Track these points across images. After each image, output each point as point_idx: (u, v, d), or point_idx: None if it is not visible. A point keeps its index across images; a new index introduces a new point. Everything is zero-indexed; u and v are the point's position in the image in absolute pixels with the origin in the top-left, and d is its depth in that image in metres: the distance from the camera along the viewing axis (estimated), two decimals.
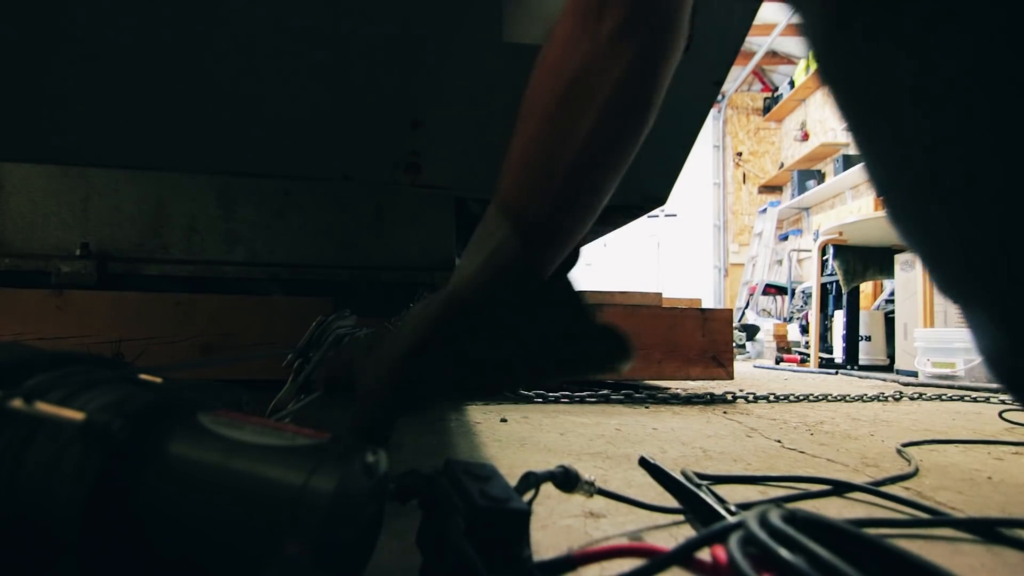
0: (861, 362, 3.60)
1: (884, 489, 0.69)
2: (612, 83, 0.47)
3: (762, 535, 0.33)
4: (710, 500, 0.53)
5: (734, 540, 0.34)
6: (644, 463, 0.60)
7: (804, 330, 4.87)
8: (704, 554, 0.37)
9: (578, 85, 0.48)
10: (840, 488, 0.69)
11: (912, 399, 1.85)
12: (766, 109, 7.40)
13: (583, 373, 0.54)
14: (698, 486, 0.58)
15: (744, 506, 0.51)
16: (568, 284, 0.51)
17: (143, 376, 0.36)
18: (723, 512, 0.50)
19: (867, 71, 0.29)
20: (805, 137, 6.68)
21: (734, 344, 2.00)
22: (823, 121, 6.33)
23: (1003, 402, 1.84)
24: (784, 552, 0.31)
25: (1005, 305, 0.30)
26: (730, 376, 1.79)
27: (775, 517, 0.34)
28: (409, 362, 0.48)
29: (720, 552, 0.35)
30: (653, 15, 0.49)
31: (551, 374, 0.53)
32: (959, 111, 0.27)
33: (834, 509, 0.64)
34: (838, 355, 3.75)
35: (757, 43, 6.54)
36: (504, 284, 0.48)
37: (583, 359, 0.51)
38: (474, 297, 0.48)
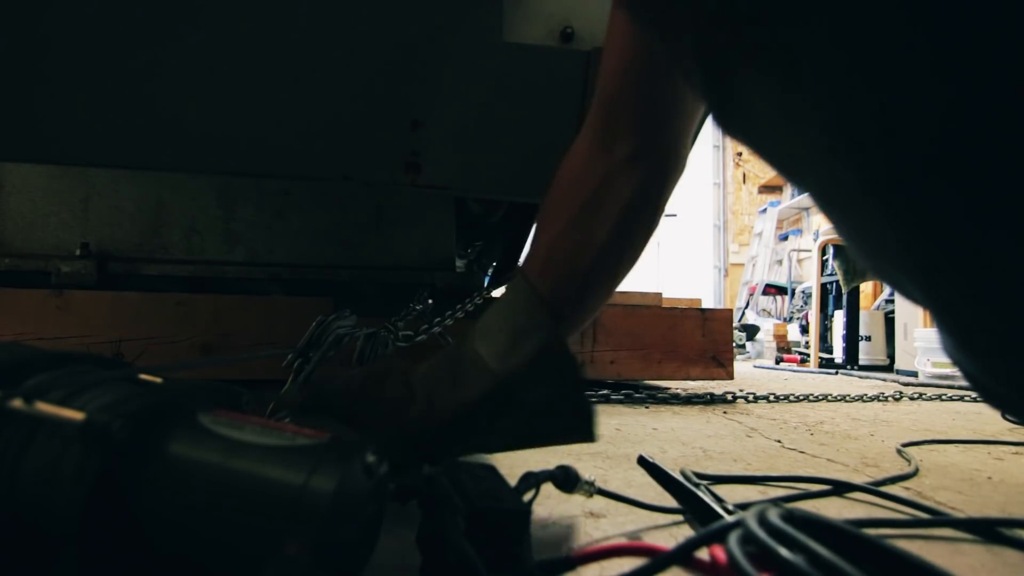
0: (861, 362, 3.60)
1: (884, 489, 0.69)
2: (625, 199, 0.57)
3: (761, 534, 0.33)
4: (708, 499, 0.53)
5: (733, 539, 0.34)
6: (643, 462, 0.60)
7: (804, 330, 4.87)
8: (704, 554, 0.37)
9: (596, 199, 0.57)
10: (840, 488, 0.69)
11: (912, 399, 1.85)
12: None
13: (553, 444, 0.60)
14: (696, 485, 0.58)
15: (743, 506, 0.51)
16: (574, 360, 0.56)
17: (143, 376, 0.36)
18: (721, 511, 0.50)
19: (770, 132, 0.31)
20: None
21: (734, 344, 2.00)
22: None
23: None
24: (783, 551, 0.31)
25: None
26: (730, 376, 1.79)
27: (774, 516, 0.34)
28: (441, 437, 0.53)
29: (719, 552, 0.35)
30: (659, 146, 0.58)
31: (529, 444, 0.58)
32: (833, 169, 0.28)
33: (834, 509, 0.64)
34: (838, 355, 3.75)
35: None
36: (550, 376, 0.54)
37: (562, 432, 0.57)
38: (522, 387, 0.53)
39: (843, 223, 0.32)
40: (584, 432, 0.55)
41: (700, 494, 0.54)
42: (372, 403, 0.55)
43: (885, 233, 0.28)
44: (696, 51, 0.30)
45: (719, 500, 0.55)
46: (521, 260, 0.60)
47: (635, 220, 0.59)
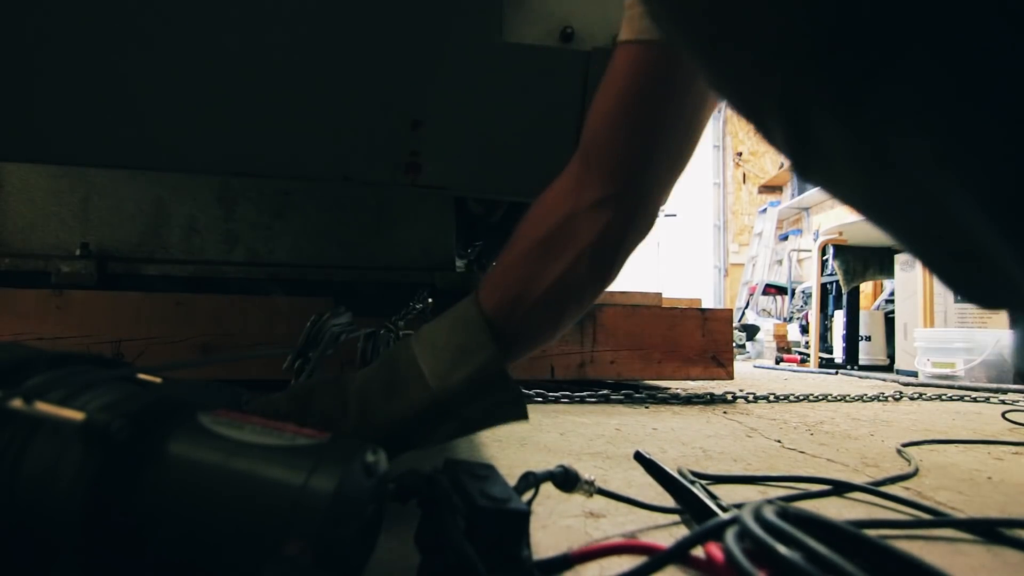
0: (861, 362, 3.60)
1: (884, 489, 0.69)
2: (584, 242, 0.57)
3: (757, 530, 0.33)
4: (702, 496, 0.53)
5: (730, 535, 0.34)
6: (639, 457, 0.60)
7: (804, 330, 4.87)
8: (701, 552, 0.37)
9: (557, 236, 0.58)
10: (840, 488, 0.69)
11: (912, 399, 1.85)
12: None
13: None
14: (692, 482, 0.58)
15: (741, 506, 0.51)
16: (513, 385, 0.57)
17: (143, 376, 0.36)
18: (715, 508, 0.51)
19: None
20: None
21: (734, 344, 2.00)
22: None
23: (1003, 402, 1.84)
24: (780, 547, 0.32)
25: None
26: (730, 376, 1.79)
27: (769, 513, 0.34)
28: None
29: (714, 549, 0.35)
30: (628, 196, 0.58)
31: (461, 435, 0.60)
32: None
33: (834, 509, 0.64)
34: (838, 355, 3.74)
35: None
36: (487, 397, 0.55)
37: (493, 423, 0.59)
38: (459, 407, 0.54)
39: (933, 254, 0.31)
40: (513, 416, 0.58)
41: (695, 491, 0.54)
42: (301, 419, 0.54)
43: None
44: (783, 113, 0.28)
45: (713, 498, 0.55)
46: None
47: (590, 265, 0.58)
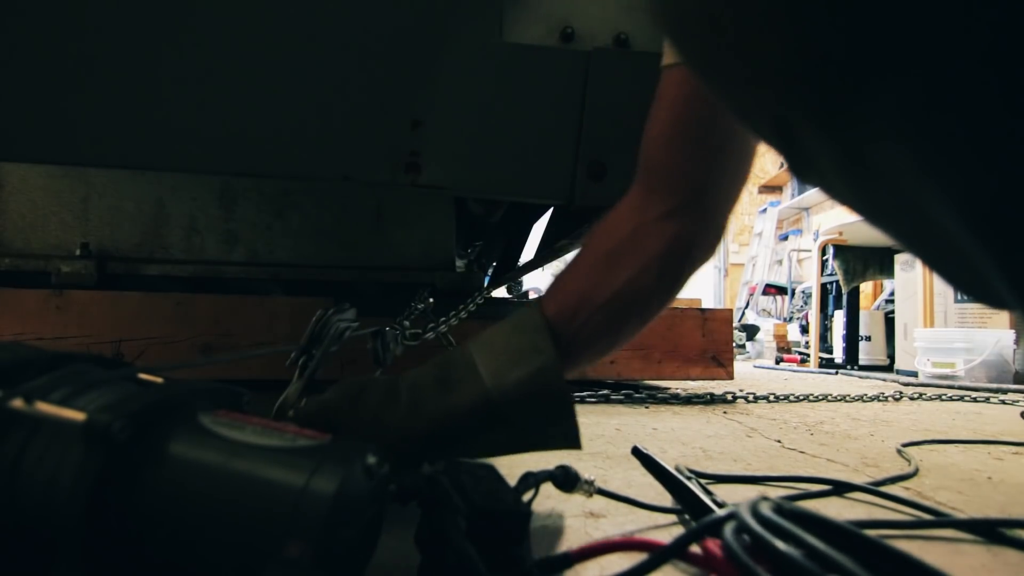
0: (861, 362, 3.60)
1: (884, 489, 0.69)
2: (650, 253, 0.58)
3: (754, 525, 0.33)
4: (698, 491, 0.53)
5: (728, 531, 0.34)
6: (637, 452, 0.61)
7: (804, 330, 4.87)
8: (699, 548, 0.37)
9: (626, 244, 0.59)
10: (840, 488, 0.69)
11: (912, 399, 1.85)
12: None
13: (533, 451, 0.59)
14: (688, 478, 0.59)
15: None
16: (567, 389, 0.56)
17: (144, 376, 0.36)
18: (710, 504, 0.51)
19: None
20: None
21: (734, 344, 2.00)
22: None
23: (1004, 402, 1.84)
24: (776, 541, 0.32)
25: None
26: (730, 376, 1.79)
27: (766, 509, 0.35)
28: (422, 442, 0.53)
29: (712, 545, 0.36)
30: (694, 212, 0.59)
31: (509, 452, 0.58)
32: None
33: (834, 509, 0.64)
34: (838, 355, 3.74)
35: None
36: (541, 404, 0.54)
37: (544, 444, 0.58)
38: (511, 410, 0.53)
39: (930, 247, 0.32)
40: (566, 446, 0.56)
41: (691, 487, 0.55)
42: (352, 412, 0.54)
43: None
44: (775, 123, 0.29)
45: (709, 494, 0.55)
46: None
47: (658, 274, 0.59)
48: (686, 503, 0.55)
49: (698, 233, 0.60)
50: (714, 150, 0.58)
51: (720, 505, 0.52)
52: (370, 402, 0.55)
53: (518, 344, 0.55)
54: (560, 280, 0.61)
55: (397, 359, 0.83)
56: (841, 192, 0.31)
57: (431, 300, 1.17)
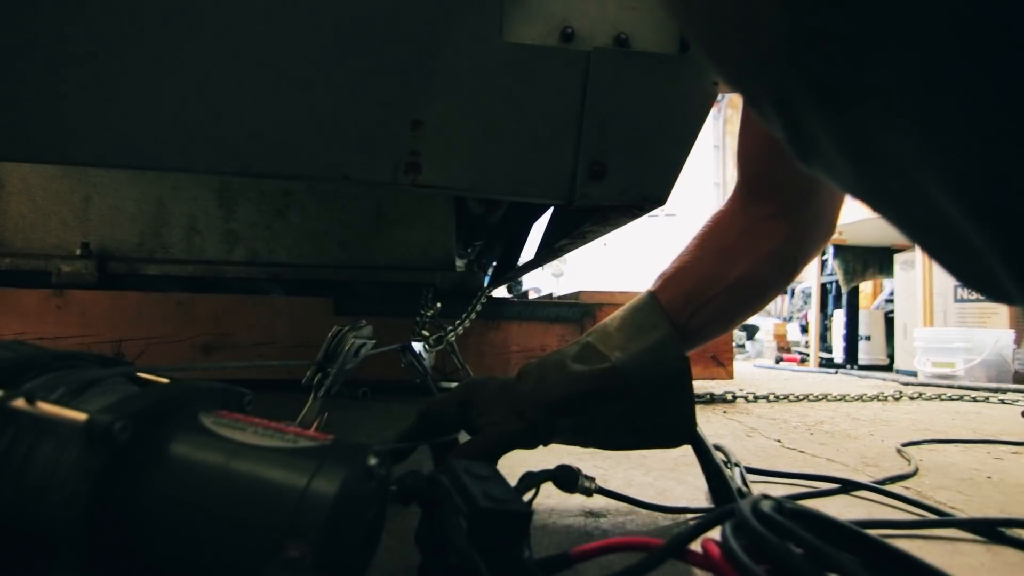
0: (861, 362, 3.60)
1: (884, 488, 0.69)
2: (766, 248, 0.62)
3: (754, 523, 0.33)
4: (735, 481, 0.58)
5: (727, 529, 0.34)
6: (693, 441, 0.62)
7: (804, 330, 4.87)
8: (698, 546, 0.37)
9: (740, 242, 0.63)
10: (846, 487, 0.69)
11: (912, 399, 1.85)
12: None
13: (648, 448, 0.64)
14: (736, 464, 0.64)
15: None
16: (686, 359, 0.62)
17: (145, 376, 0.36)
18: (734, 494, 0.55)
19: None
20: None
21: (734, 344, 2.00)
22: None
23: (1002, 402, 1.84)
24: (775, 539, 0.32)
25: None
26: (730, 376, 1.79)
27: (766, 507, 0.35)
28: (548, 408, 0.57)
29: (711, 544, 0.36)
30: (802, 214, 0.63)
31: (625, 445, 0.62)
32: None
33: (835, 508, 0.64)
34: (838, 355, 3.75)
35: None
36: (661, 367, 0.59)
37: (660, 433, 0.61)
38: (635, 374, 0.58)
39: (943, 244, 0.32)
40: (679, 433, 0.60)
41: (727, 474, 0.59)
42: (483, 385, 0.61)
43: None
44: (777, 106, 0.30)
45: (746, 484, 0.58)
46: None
47: (774, 265, 0.63)
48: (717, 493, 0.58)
49: (807, 231, 0.64)
50: None
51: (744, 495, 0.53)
52: (500, 379, 0.61)
53: (637, 322, 0.61)
54: (672, 272, 0.65)
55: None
56: (845, 178, 0.31)
57: (439, 305, 1.17)
